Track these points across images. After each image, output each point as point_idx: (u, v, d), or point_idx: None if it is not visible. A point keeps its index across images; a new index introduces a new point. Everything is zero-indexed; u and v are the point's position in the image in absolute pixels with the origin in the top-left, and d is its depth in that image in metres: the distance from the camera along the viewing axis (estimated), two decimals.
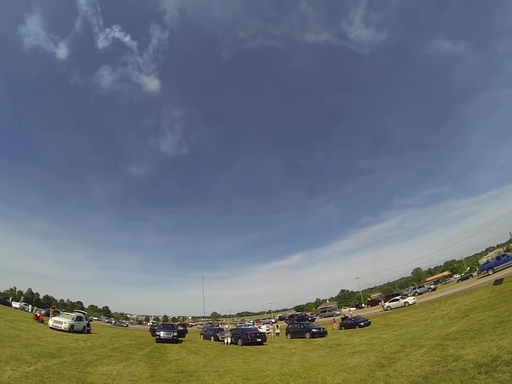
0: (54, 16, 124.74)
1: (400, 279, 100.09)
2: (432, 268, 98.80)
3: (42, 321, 24.61)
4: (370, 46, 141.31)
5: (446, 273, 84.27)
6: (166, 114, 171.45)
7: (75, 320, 21.28)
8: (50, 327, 19.90)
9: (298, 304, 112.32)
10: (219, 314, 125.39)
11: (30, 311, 42.19)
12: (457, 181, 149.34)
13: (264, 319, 73.85)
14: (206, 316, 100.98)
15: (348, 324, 27.17)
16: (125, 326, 59.12)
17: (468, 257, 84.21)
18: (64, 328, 19.64)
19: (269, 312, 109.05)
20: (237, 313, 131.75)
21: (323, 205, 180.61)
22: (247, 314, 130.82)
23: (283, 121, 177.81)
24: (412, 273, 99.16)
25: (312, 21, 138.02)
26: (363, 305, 65.72)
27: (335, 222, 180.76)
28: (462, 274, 63.19)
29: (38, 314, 26.99)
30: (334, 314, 46.03)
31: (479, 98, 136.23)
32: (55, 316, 23.31)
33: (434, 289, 50.39)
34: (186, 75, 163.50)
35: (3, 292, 73.81)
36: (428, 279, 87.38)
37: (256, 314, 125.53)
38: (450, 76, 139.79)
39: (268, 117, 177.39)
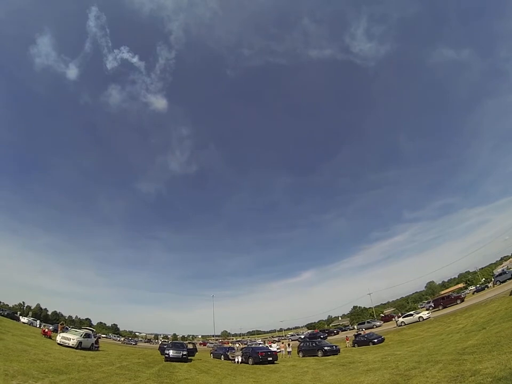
0: (65, 37, 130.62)
1: (413, 293, 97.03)
2: (446, 280, 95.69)
3: (50, 337, 24.62)
4: (374, 58, 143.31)
5: (460, 285, 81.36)
6: (174, 132, 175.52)
7: (83, 337, 21.20)
8: (58, 343, 19.85)
9: (310, 322, 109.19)
10: (229, 332, 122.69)
11: (38, 326, 42.22)
12: (467, 191, 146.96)
13: (292, 335, 71.85)
14: (216, 334, 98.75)
15: (361, 341, 26.36)
16: (134, 344, 58.27)
17: (482, 268, 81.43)
18: (72, 344, 19.57)
19: (280, 330, 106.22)
20: (248, 332, 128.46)
21: (333, 221, 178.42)
22: (258, 332, 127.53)
23: (291, 137, 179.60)
24: (426, 287, 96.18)
25: (315, 36, 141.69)
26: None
27: (346, 238, 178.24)
28: (477, 285, 60.90)
29: (46, 330, 27.05)
30: (374, 326, 43.99)
31: (485, 106, 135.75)
32: (63, 332, 23.28)
33: None
34: (193, 94, 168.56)
35: (12, 306, 74.15)
36: (442, 292, 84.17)
37: (267, 332, 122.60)
38: (456, 84, 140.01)
39: (275, 134, 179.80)
